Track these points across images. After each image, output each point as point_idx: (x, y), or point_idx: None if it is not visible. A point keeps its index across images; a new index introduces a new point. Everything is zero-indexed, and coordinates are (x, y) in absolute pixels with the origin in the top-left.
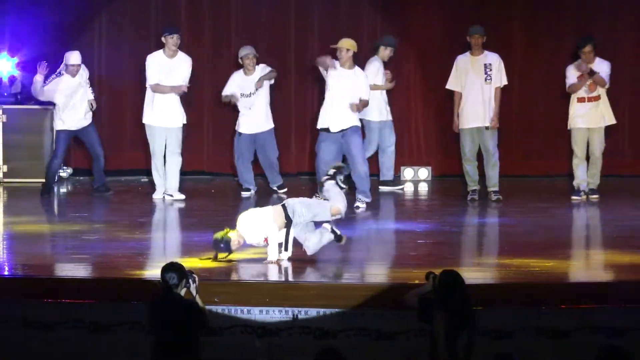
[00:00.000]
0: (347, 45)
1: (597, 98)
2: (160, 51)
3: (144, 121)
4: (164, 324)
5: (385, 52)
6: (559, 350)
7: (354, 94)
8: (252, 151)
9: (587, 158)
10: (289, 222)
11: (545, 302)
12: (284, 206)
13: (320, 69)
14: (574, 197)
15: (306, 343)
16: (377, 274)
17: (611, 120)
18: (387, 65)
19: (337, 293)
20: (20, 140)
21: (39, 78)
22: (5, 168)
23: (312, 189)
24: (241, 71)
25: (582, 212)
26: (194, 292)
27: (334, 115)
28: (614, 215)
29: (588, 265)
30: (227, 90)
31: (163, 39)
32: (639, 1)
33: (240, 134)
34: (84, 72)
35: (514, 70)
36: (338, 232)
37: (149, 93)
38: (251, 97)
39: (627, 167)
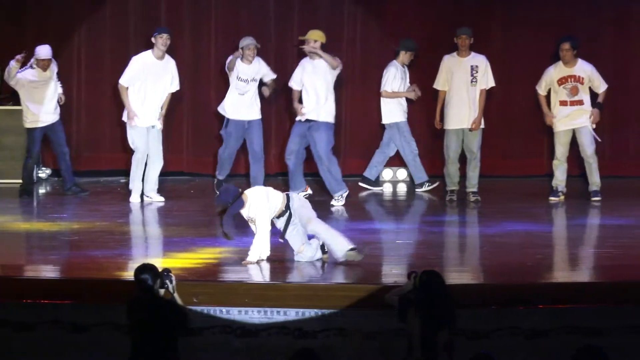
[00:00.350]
0: (314, 36)
1: (580, 102)
2: (149, 51)
3: (123, 118)
4: (141, 324)
5: (405, 56)
6: (536, 351)
7: (326, 84)
8: (239, 142)
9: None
10: (288, 213)
11: (523, 302)
12: (287, 195)
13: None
14: (551, 198)
15: (285, 343)
16: (356, 274)
17: (586, 127)
18: (408, 68)
19: (316, 293)
20: None
21: (14, 64)
22: None
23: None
24: (239, 60)
25: (560, 213)
26: (172, 292)
27: (307, 105)
28: (590, 216)
29: (565, 265)
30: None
31: (153, 39)
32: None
33: (228, 120)
34: (54, 67)
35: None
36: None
37: (132, 95)
38: (248, 84)
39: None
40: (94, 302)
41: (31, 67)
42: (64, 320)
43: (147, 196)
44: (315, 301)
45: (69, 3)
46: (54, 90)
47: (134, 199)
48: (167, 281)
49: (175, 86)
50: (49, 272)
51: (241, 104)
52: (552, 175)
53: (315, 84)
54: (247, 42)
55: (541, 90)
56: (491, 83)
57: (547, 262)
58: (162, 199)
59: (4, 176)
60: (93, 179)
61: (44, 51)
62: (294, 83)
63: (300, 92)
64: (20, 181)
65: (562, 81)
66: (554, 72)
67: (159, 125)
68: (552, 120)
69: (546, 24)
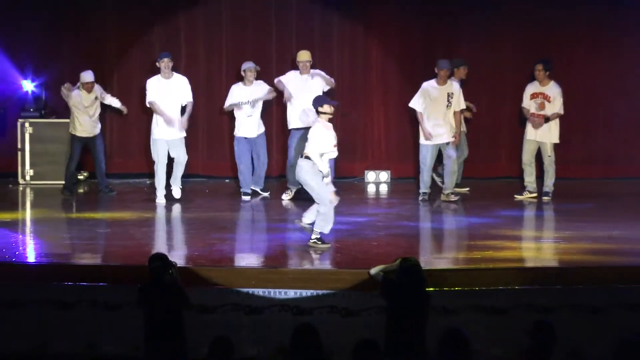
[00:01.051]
0: (307, 57)
1: (544, 117)
2: (158, 75)
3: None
4: (154, 304)
5: (463, 71)
6: (498, 325)
7: (313, 94)
8: (250, 155)
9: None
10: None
11: (486, 284)
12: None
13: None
14: (516, 196)
15: (286, 319)
16: (344, 261)
17: (555, 139)
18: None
19: (311, 277)
20: (43, 148)
21: (65, 91)
22: (31, 172)
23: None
24: (240, 83)
25: (524, 209)
26: (176, 277)
27: (296, 115)
28: (553, 212)
29: (524, 253)
30: (228, 102)
31: (157, 63)
32: (594, 28)
33: (239, 138)
34: (97, 88)
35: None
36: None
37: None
38: (252, 106)
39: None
40: (125, 283)
41: (78, 89)
42: (99, 299)
43: (165, 194)
44: (310, 283)
45: (102, 33)
46: (97, 108)
47: (160, 199)
48: (172, 269)
49: (187, 98)
50: (86, 259)
51: (250, 122)
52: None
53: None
54: (248, 65)
55: (524, 103)
56: (462, 106)
57: (508, 251)
58: (180, 193)
59: (47, 178)
60: (124, 180)
61: (87, 76)
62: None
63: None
64: (63, 182)
65: (534, 96)
66: (529, 88)
67: (182, 134)
68: (540, 120)
69: (525, 45)
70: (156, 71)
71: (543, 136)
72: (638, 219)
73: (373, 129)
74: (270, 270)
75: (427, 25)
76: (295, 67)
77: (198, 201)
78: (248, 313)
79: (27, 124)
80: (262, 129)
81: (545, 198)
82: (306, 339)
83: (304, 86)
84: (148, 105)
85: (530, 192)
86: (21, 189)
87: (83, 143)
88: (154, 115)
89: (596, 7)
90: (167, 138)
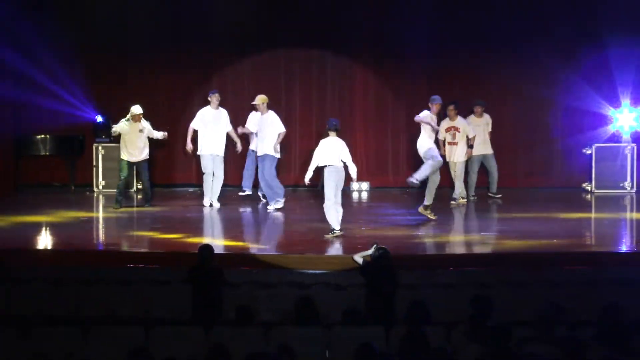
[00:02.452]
0: (262, 100)
1: (456, 143)
2: (208, 106)
3: (198, 152)
4: (202, 282)
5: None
6: (447, 298)
7: (272, 129)
8: (255, 166)
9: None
10: None
11: (440, 266)
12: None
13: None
14: (452, 202)
15: (292, 292)
16: (335, 247)
17: (461, 158)
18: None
19: (311, 261)
20: (111, 165)
21: (115, 128)
22: (103, 183)
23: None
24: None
25: (456, 211)
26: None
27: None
28: (488, 213)
29: (464, 242)
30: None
31: (209, 97)
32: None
33: (252, 151)
34: (144, 122)
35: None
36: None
37: (201, 133)
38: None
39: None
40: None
41: (127, 120)
42: (152, 278)
43: (211, 202)
44: (310, 265)
45: (150, 77)
46: (144, 137)
47: (205, 202)
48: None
49: (228, 127)
50: (141, 247)
51: (260, 140)
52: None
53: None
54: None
55: (441, 136)
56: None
57: (452, 240)
58: (219, 204)
59: (114, 187)
60: (171, 189)
61: (137, 109)
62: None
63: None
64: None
65: (448, 129)
66: (444, 123)
67: (221, 154)
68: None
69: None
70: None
71: (454, 157)
72: (551, 218)
73: (355, 147)
74: (278, 255)
75: (395, 68)
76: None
77: (231, 206)
78: (264, 288)
79: (100, 147)
80: (269, 150)
81: (453, 203)
82: (306, 307)
83: (261, 123)
84: (190, 128)
85: (463, 198)
86: (95, 195)
87: (131, 166)
88: (190, 135)
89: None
90: (210, 153)
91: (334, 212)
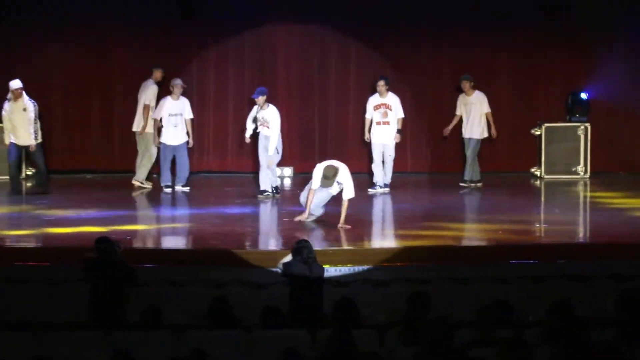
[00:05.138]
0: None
1: (387, 123)
2: (169, 96)
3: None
4: (100, 278)
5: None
6: (380, 296)
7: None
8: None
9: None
10: None
11: (372, 261)
12: None
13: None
14: (370, 190)
15: (206, 291)
16: (254, 241)
17: (392, 140)
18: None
19: (227, 256)
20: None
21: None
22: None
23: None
24: (169, 97)
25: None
26: (119, 255)
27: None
28: (430, 204)
29: (399, 235)
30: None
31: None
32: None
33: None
34: (28, 101)
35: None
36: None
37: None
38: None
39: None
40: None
41: (8, 99)
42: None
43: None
44: (226, 261)
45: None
46: (27, 117)
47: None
48: (117, 248)
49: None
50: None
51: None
52: None
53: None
54: (177, 82)
55: (368, 114)
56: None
57: (382, 234)
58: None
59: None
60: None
61: (14, 84)
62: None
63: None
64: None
65: (377, 107)
66: (372, 100)
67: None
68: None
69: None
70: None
71: (387, 139)
72: (495, 207)
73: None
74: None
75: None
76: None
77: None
78: (255, 288)
79: None
80: (185, 138)
81: (386, 190)
82: (222, 308)
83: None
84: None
85: (380, 187)
86: None
87: (18, 150)
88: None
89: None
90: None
91: (264, 176)
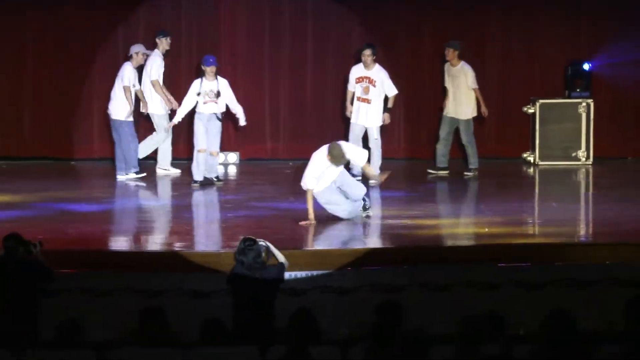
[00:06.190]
0: None
1: (368, 101)
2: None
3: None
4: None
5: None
6: (345, 306)
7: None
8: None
9: None
10: None
11: (335, 264)
12: None
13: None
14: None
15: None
16: (190, 241)
17: (379, 122)
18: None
19: (160, 260)
20: None
21: None
22: None
23: None
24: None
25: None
26: (37, 254)
27: None
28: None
29: (362, 234)
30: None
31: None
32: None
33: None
34: None
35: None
36: None
37: None
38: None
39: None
40: None
41: None
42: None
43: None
44: (159, 266)
45: None
46: None
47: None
48: (32, 247)
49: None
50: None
51: None
52: None
53: None
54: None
55: (351, 87)
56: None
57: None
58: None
59: None
60: None
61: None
62: None
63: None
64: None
65: (359, 80)
66: (355, 71)
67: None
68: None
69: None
70: None
71: (368, 120)
72: (481, 199)
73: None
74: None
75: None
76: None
77: None
78: (96, 296)
79: None
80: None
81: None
82: (155, 321)
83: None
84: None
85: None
86: None
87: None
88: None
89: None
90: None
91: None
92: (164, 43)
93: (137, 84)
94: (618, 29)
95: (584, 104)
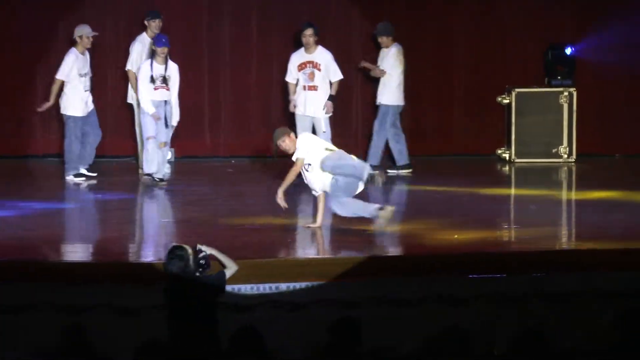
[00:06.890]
0: None
1: (314, 88)
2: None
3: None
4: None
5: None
6: (296, 324)
7: None
8: None
9: None
10: None
11: (282, 277)
12: None
13: None
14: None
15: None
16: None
17: (323, 113)
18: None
19: (84, 271)
20: None
21: None
22: None
23: None
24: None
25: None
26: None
27: None
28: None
29: (321, 241)
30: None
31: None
32: None
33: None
34: None
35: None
36: None
37: None
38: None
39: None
40: None
41: None
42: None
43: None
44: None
45: None
46: None
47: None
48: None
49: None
50: None
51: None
52: None
53: None
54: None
55: (291, 78)
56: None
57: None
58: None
59: None
60: None
61: None
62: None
63: None
64: None
65: (302, 66)
66: (295, 57)
67: None
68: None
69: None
70: None
71: (317, 110)
72: (452, 202)
73: None
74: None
75: None
76: None
77: None
78: (11, 311)
79: None
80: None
81: None
82: (76, 341)
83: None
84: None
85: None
86: None
87: None
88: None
89: None
90: None
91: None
92: (152, 26)
93: (89, 70)
94: (605, 8)
95: (565, 93)
